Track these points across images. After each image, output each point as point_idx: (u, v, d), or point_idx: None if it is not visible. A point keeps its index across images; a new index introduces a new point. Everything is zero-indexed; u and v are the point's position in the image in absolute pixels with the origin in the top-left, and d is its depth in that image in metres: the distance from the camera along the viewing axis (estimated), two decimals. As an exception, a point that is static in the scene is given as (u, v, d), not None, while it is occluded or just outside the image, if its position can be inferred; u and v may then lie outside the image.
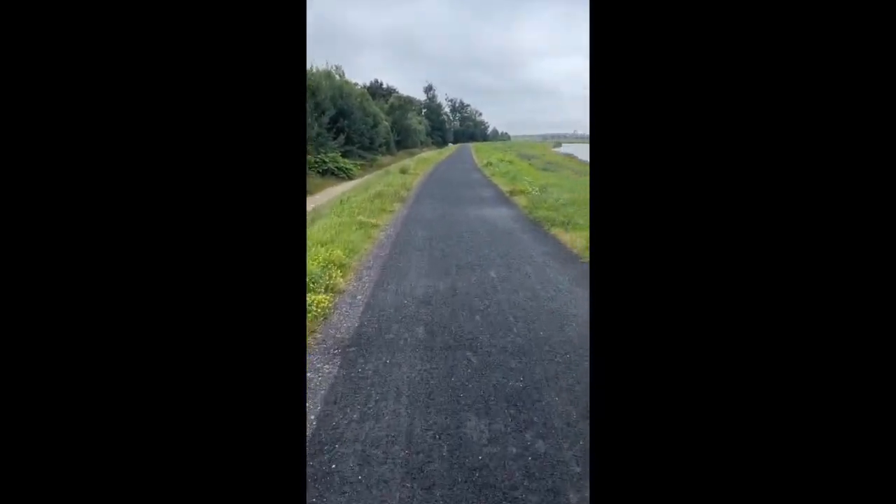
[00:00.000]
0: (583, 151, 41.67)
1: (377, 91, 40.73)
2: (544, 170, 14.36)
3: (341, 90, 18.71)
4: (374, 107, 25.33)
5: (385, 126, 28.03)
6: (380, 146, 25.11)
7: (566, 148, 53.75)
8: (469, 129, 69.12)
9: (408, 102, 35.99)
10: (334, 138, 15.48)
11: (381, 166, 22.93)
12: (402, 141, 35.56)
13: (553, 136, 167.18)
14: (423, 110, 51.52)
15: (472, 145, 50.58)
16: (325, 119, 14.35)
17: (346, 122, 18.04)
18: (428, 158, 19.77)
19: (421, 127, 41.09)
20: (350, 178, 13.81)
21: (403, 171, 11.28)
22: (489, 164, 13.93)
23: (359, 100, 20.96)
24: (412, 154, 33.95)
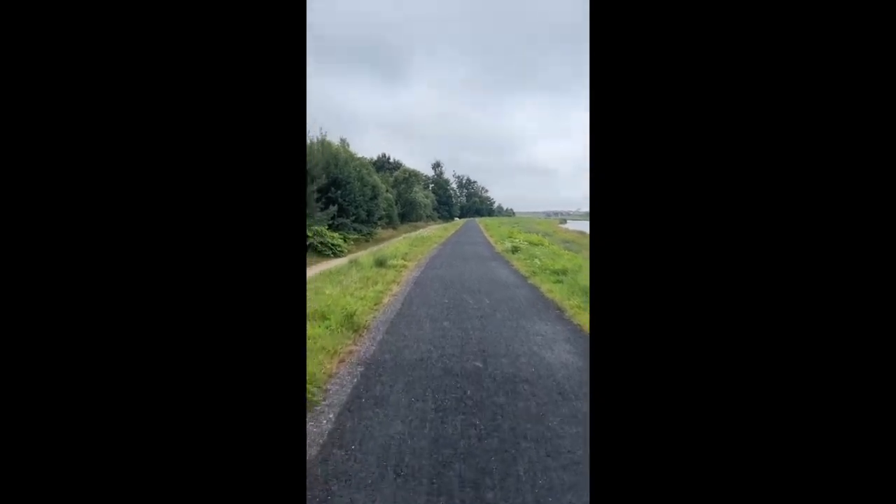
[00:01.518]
0: (579, 226, 38.46)
1: (384, 164, 39.50)
2: (567, 249, 9.96)
3: (336, 158, 15.84)
4: (375, 177, 22.45)
5: (388, 198, 25.03)
6: (379, 219, 21.67)
7: (572, 224, 50.83)
8: (475, 205, 68.39)
9: (413, 175, 33.93)
10: (322, 209, 11.88)
11: (379, 241, 19.16)
12: (407, 214, 32.78)
13: (556, 214, 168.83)
14: (431, 185, 50.54)
15: (478, 220, 48.10)
16: (314, 187, 11.36)
17: (339, 192, 14.77)
18: (428, 237, 15.27)
19: (427, 201, 38.82)
20: (336, 255, 9.91)
21: (380, 263, 6.33)
22: (515, 248, 9.31)
23: (357, 169, 18.04)
24: (416, 227, 30.70)
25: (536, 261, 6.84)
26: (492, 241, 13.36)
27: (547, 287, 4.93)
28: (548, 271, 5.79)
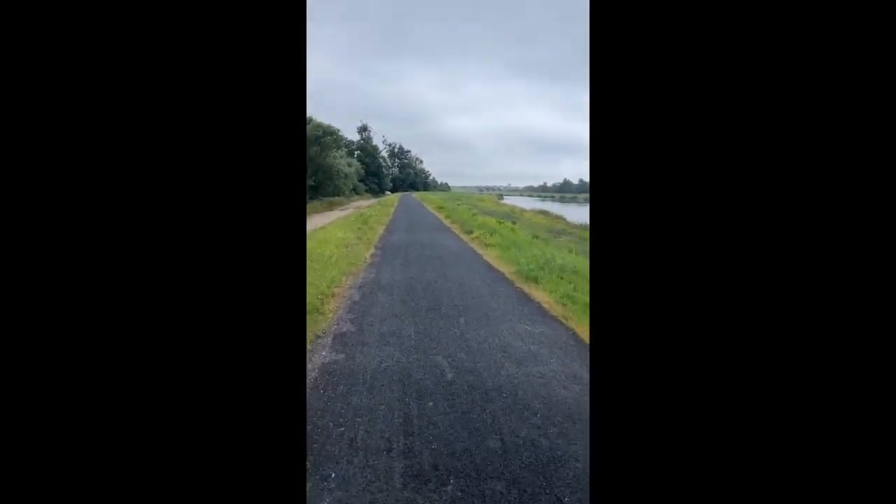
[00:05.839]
0: (526, 203, 33.28)
1: (288, 119, 28.27)
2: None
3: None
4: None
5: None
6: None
7: (510, 200, 45.53)
8: (409, 178, 59.43)
9: (331, 135, 24.01)
10: None
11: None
12: (322, 186, 23.07)
13: (489, 189, 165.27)
14: (357, 152, 40.19)
15: (415, 195, 39.75)
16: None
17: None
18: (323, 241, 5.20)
19: (351, 170, 28.99)
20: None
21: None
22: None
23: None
24: (333, 205, 21.44)
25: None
26: (477, 250, 5.40)
27: None
28: None
